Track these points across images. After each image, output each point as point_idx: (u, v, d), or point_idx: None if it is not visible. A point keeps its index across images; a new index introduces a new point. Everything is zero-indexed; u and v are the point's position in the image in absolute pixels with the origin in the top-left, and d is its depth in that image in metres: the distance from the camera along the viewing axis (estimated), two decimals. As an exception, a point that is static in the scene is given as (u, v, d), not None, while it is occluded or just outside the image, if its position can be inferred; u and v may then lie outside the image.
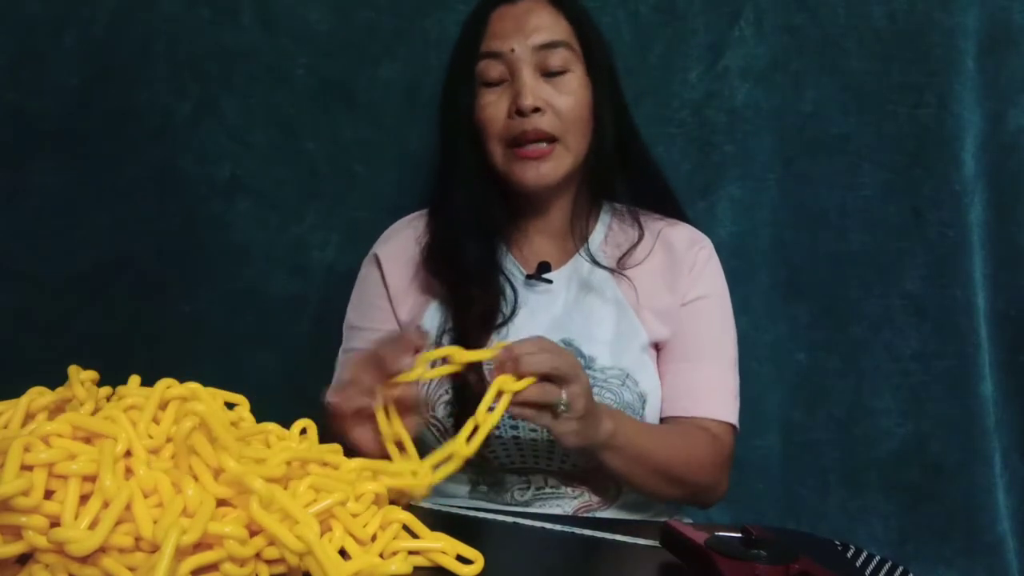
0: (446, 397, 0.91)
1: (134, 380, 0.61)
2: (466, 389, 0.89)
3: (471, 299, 0.91)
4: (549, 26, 0.91)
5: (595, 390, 0.89)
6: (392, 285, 0.98)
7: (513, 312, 0.93)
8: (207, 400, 0.59)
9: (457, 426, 0.88)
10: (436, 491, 0.96)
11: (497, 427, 0.89)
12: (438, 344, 0.93)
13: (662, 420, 0.96)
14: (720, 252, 1.03)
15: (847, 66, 1.16)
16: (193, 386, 0.59)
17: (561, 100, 0.90)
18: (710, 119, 1.18)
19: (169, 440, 0.55)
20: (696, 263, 0.96)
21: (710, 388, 0.94)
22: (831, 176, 1.18)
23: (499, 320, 0.92)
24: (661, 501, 0.95)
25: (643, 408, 0.91)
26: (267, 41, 1.18)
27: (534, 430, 0.90)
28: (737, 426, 0.95)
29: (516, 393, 0.70)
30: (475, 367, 0.89)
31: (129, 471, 0.52)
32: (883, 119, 1.16)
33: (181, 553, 0.48)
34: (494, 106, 0.91)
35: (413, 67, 1.18)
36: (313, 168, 1.20)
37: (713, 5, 1.17)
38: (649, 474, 0.84)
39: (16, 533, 0.49)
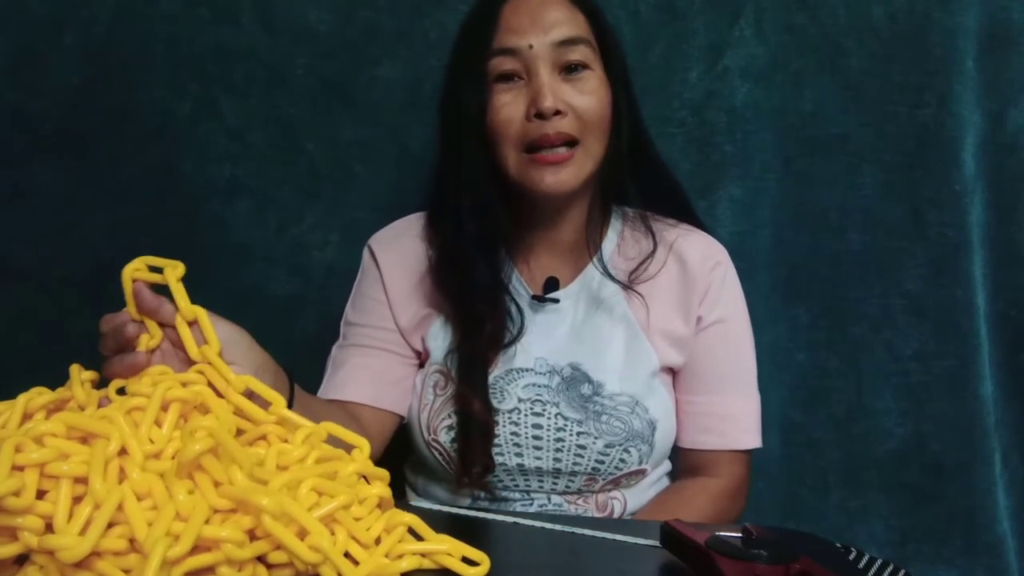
0: (448, 422, 0.89)
1: (146, 379, 0.60)
2: (470, 415, 0.87)
3: (480, 318, 0.87)
4: (567, 21, 0.85)
5: (604, 417, 0.87)
6: (392, 291, 0.94)
7: (519, 333, 0.89)
8: (215, 406, 0.58)
9: (460, 452, 0.87)
10: (436, 502, 0.95)
11: (501, 455, 0.88)
12: (446, 364, 0.90)
13: (682, 451, 0.95)
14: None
15: (847, 66, 1.16)
16: (199, 389, 0.59)
17: (582, 101, 0.84)
18: (710, 119, 1.18)
19: (170, 441, 0.55)
20: (711, 285, 0.92)
21: (733, 419, 0.93)
22: (831, 176, 1.18)
23: (507, 339, 0.89)
24: None
25: (653, 435, 0.88)
26: (267, 41, 1.18)
27: (539, 457, 0.89)
28: (760, 446, 0.94)
29: None
30: (483, 393, 0.87)
31: (124, 473, 0.52)
32: (883, 119, 1.16)
33: (175, 559, 0.48)
34: (509, 108, 0.84)
35: (413, 67, 1.18)
36: (313, 168, 1.20)
37: (713, 5, 1.17)
38: None
39: (13, 534, 0.49)
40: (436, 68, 1.15)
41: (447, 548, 0.57)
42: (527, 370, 0.90)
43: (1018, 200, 1.15)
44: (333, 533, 0.54)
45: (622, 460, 0.87)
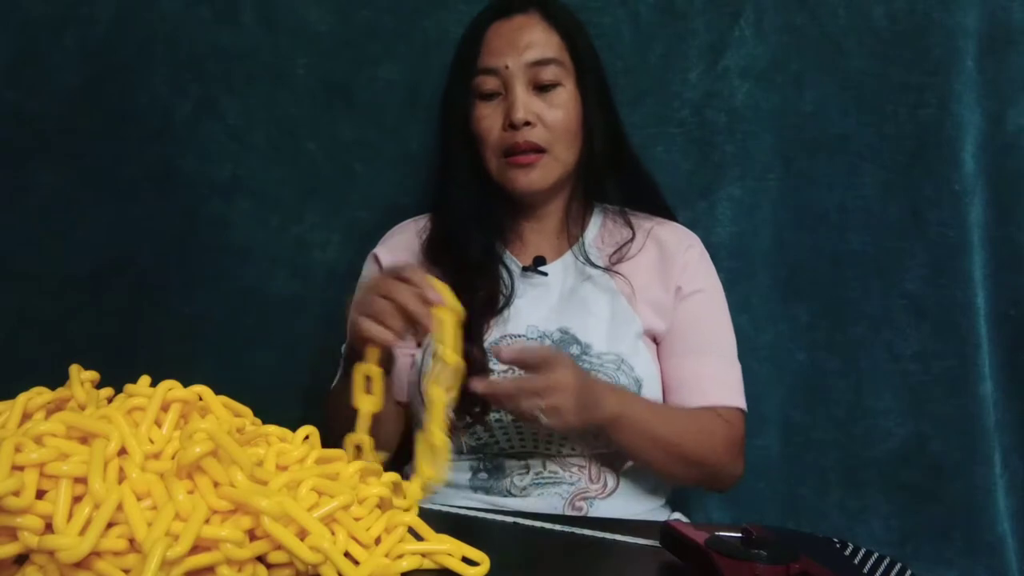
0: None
1: (144, 380, 0.60)
2: (467, 357, 0.90)
3: (474, 286, 0.94)
4: (541, 43, 0.97)
5: (592, 373, 0.91)
6: None
7: (510, 298, 0.97)
8: (215, 408, 0.58)
9: (459, 395, 0.91)
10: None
11: (498, 412, 0.91)
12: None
13: None
14: (720, 252, 1.03)
15: (847, 66, 1.16)
16: (200, 389, 0.59)
17: (551, 114, 0.96)
18: (710, 119, 1.18)
19: (170, 441, 0.55)
20: (688, 263, 1.00)
21: (714, 378, 0.98)
22: (831, 176, 1.18)
23: (500, 303, 0.96)
24: (678, 483, 0.99)
25: (639, 393, 0.93)
26: (267, 41, 1.18)
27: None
28: (745, 410, 0.98)
29: (494, 383, 0.78)
30: (478, 340, 0.92)
31: (124, 473, 0.52)
32: (883, 119, 1.16)
33: (174, 559, 0.47)
34: (489, 119, 0.97)
35: (413, 67, 1.18)
36: (313, 168, 1.20)
37: (713, 5, 1.17)
38: (662, 454, 0.88)
39: (12, 534, 0.49)
40: (436, 68, 1.15)
41: (447, 548, 0.57)
42: (519, 336, 0.96)
43: (1018, 200, 1.15)
44: (333, 533, 0.54)
45: None
